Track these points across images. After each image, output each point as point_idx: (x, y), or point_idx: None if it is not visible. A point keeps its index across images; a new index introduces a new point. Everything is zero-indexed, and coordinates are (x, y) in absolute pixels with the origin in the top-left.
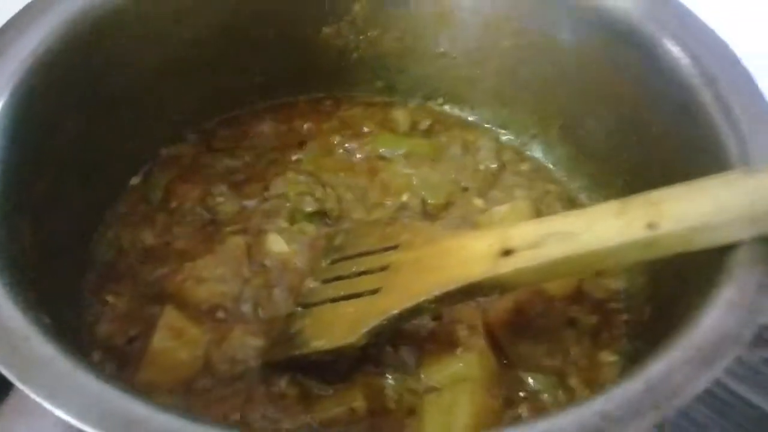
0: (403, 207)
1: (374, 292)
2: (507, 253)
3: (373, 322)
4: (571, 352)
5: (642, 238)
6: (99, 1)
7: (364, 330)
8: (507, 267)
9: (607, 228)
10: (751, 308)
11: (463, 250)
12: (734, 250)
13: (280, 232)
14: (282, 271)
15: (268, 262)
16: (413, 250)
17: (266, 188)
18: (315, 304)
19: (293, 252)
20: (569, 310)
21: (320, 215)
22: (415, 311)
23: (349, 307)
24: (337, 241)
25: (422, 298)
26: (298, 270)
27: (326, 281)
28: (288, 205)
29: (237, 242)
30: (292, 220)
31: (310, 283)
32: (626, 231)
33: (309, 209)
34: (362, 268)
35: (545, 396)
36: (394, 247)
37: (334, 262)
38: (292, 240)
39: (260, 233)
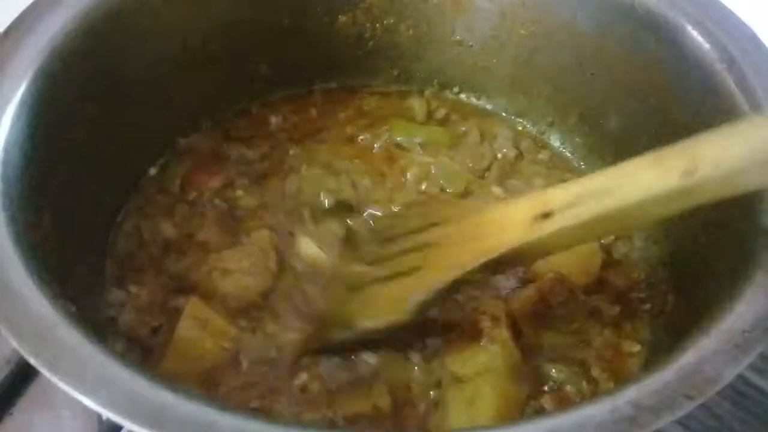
0: (422, 195)
1: (418, 269)
2: (546, 216)
3: (421, 297)
4: (594, 342)
5: (680, 186)
6: None
7: (413, 306)
8: (548, 229)
9: (644, 179)
10: None
11: (502, 218)
12: (761, 237)
13: (308, 234)
14: (312, 266)
15: (298, 263)
16: (452, 224)
17: (284, 179)
18: (361, 287)
19: (324, 250)
20: (592, 301)
21: (341, 206)
22: (461, 283)
23: (395, 286)
24: (377, 225)
25: (468, 268)
26: (328, 264)
27: (369, 263)
28: (307, 203)
29: (263, 235)
30: (316, 220)
31: (355, 267)
32: (663, 180)
33: (327, 203)
34: (404, 248)
35: (568, 387)
36: (432, 225)
37: (378, 243)
38: (321, 240)
39: (288, 236)
